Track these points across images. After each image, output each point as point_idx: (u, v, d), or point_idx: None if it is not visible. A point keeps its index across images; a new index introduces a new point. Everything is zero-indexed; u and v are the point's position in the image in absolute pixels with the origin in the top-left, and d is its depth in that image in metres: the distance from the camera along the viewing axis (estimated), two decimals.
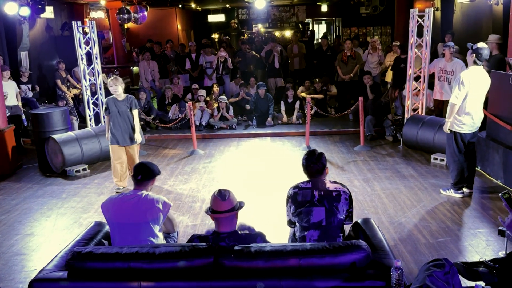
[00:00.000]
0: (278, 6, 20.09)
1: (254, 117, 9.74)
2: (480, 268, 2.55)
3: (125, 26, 14.86)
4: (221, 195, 2.95)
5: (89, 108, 8.22)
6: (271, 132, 9.36)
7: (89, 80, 8.27)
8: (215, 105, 9.83)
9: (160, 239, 3.43)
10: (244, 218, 3.44)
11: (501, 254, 4.12)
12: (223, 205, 2.92)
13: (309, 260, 2.63)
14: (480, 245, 4.42)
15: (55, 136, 7.00)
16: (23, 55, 10.53)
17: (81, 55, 7.98)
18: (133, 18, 12.89)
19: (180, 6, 16.77)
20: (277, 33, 18.39)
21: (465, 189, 5.63)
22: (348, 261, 2.62)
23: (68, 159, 6.98)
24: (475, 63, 5.16)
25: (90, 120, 8.24)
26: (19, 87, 9.15)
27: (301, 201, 3.25)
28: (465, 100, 5.19)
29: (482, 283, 2.50)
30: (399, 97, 8.72)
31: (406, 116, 8.07)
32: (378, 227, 3.40)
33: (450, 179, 5.69)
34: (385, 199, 5.69)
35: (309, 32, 17.45)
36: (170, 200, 3.80)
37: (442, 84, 7.62)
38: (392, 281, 2.37)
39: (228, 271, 2.68)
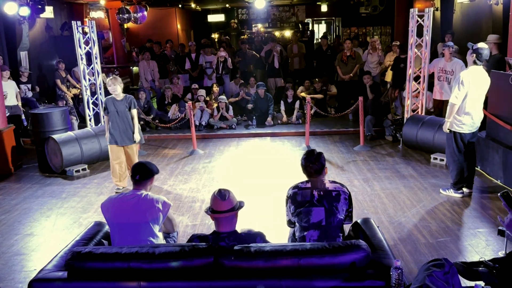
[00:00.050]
0: (278, 6, 20.09)
1: (254, 117, 9.74)
2: (480, 268, 2.55)
3: (125, 26, 14.84)
4: (221, 195, 2.94)
5: (88, 108, 8.22)
6: (271, 132, 9.36)
7: (89, 80, 8.27)
8: (215, 105, 9.82)
9: (160, 239, 3.43)
10: (244, 218, 3.44)
11: (501, 254, 4.12)
12: (223, 205, 2.92)
13: (308, 260, 2.63)
14: (479, 245, 4.42)
15: (55, 136, 7.00)
16: (23, 55, 10.52)
17: (80, 55, 7.98)
18: (132, 18, 12.88)
19: (180, 6, 16.77)
20: (277, 33, 18.39)
21: (465, 189, 5.63)
22: (348, 261, 2.62)
23: (67, 159, 6.98)
24: (475, 63, 5.16)
25: (90, 120, 8.24)
26: (18, 87, 9.14)
27: (300, 201, 3.25)
28: (465, 100, 5.19)
29: (481, 283, 2.50)
30: (399, 97, 8.72)
31: (406, 116, 8.07)
32: (377, 227, 3.40)
33: (450, 179, 5.69)
34: (385, 199, 5.69)
35: (309, 32, 17.44)
36: (170, 200, 3.80)
37: (442, 84, 7.63)
38: (391, 281, 2.37)
39: (228, 271, 2.68)
